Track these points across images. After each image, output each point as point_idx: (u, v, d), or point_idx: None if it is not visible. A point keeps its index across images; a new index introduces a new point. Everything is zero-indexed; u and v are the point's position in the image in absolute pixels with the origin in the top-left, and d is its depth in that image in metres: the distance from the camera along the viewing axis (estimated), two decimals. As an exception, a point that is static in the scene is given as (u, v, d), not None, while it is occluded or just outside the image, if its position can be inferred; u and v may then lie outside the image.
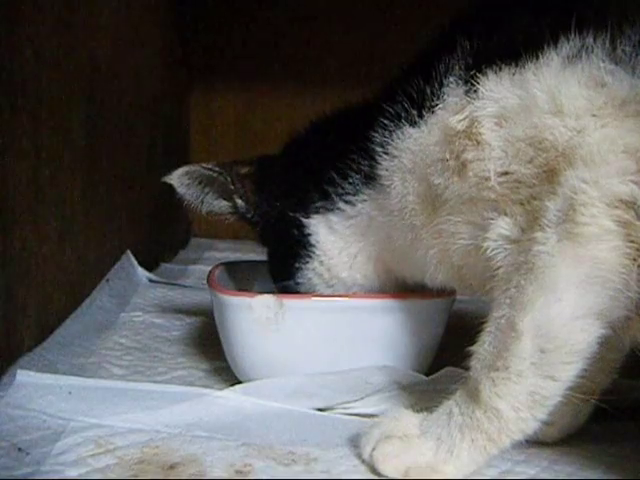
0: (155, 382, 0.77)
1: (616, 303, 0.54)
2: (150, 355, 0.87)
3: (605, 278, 0.53)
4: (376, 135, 0.67)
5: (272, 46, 1.70)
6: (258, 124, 1.73)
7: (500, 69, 0.58)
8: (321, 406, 0.71)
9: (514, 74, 0.58)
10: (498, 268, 0.59)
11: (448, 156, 0.61)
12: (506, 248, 0.58)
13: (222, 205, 0.82)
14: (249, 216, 0.82)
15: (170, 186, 0.81)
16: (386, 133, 0.67)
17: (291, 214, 0.77)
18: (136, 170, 1.26)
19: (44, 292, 0.82)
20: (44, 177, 0.81)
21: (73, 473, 0.57)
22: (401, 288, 0.77)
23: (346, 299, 0.76)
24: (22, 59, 0.75)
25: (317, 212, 0.76)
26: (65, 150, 0.88)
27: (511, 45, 0.59)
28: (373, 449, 0.59)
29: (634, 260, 0.53)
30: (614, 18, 0.55)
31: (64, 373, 0.75)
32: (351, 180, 0.72)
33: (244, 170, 0.82)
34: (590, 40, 0.55)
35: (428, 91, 0.63)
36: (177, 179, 0.80)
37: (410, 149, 0.65)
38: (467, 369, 0.59)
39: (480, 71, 0.59)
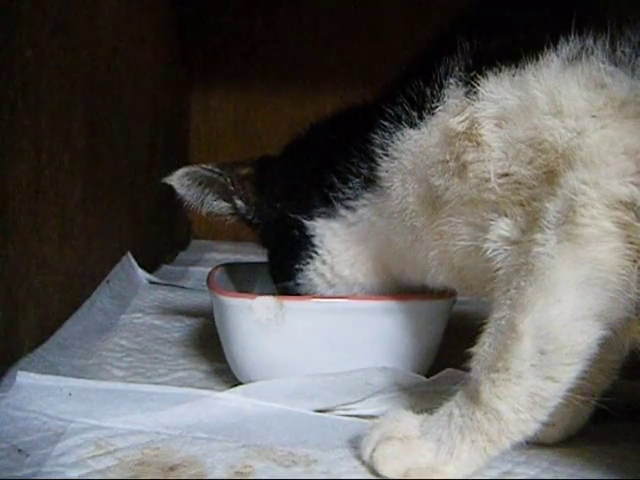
0: (155, 384, 0.77)
1: (616, 304, 0.54)
2: (150, 357, 0.87)
3: (605, 279, 0.53)
4: (376, 137, 0.67)
5: (272, 46, 1.70)
6: (258, 124, 1.73)
7: (500, 70, 0.59)
8: (321, 407, 0.71)
9: (514, 75, 0.58)
10: (498, 269, 0.59)
11: (448, 157, 0.61)
12: (506, 249, 0.58)
13: (222, 206, 0.82)
14: (249, 217, 0.82)
15: (170, 187, 0.81)
16: (386, 135, 0.67)
17: (292, 215, 0.77)
18: (136, 171, 1.25)
19: (44, 293, 0.82)
20: (44, 178, 0.81)
21: (73, 474, 0.57)
22: (402, 288, 0.77)
23: (346, 301, 0.76)
24: (22, 60, 0.75)
25: (319, 216, 0.76)
26: (65, 151, 0.88)
27: (511, 46, 0.59)
28: (373, 450, 0.59)
29: (634, 261, 0.53)
30: (614, 19, 0.55)
31: (64, 374, 0.75)
32: (351, 184, 0.72)
33: (244, 171, 0.82)
34: (590, 41, 0.55)
35: (428, 92, 0.63)
36: (177, 180, 0.80)
37: (410, 151, 0.65)
38: (467, 370, 0.59)
39: (480, 72, 0.59)
